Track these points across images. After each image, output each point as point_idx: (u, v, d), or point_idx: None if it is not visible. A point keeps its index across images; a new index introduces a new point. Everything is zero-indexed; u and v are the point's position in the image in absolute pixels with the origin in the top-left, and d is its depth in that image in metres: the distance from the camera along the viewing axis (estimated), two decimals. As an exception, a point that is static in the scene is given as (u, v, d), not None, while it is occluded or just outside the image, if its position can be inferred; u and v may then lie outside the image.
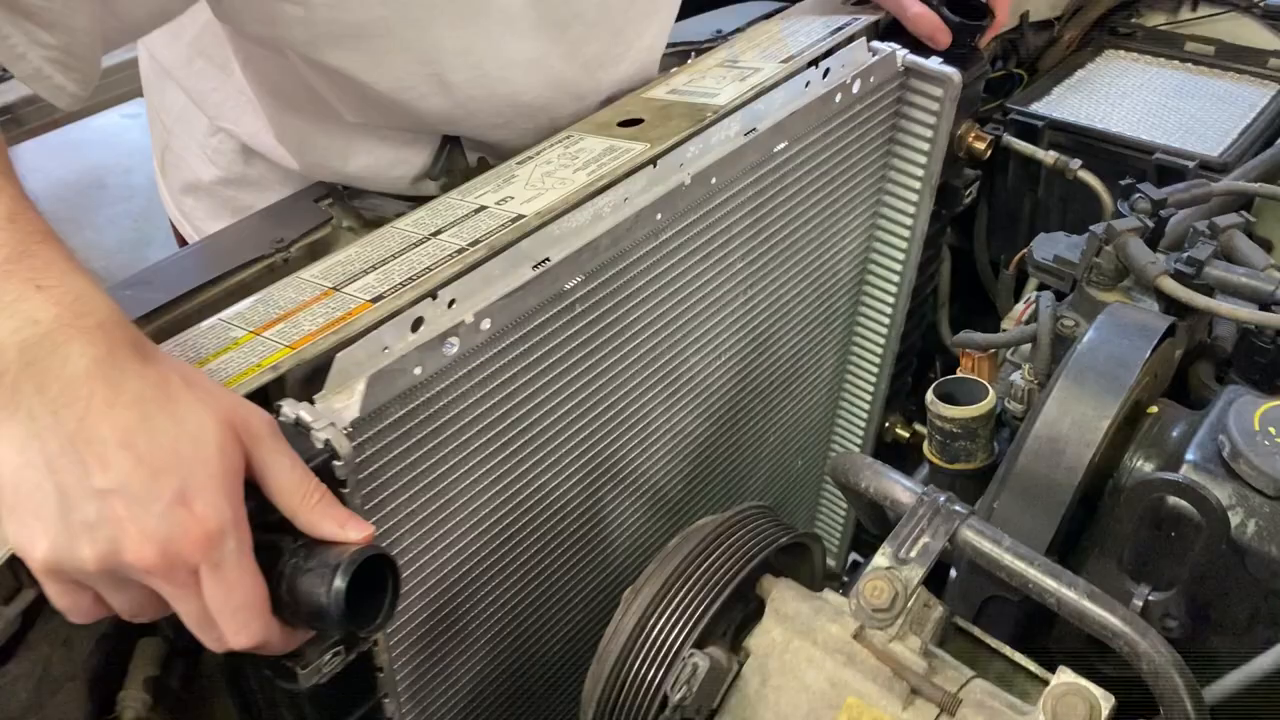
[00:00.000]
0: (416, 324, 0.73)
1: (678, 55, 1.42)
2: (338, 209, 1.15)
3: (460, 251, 0.84)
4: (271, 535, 0.63)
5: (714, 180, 0.91)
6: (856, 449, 1.41)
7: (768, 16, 1.53)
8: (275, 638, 0.62)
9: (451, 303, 0.75)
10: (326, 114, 1.04)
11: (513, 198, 0.92)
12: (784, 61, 1.12)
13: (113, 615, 0.64)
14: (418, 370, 0.73)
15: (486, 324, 0.76)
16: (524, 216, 0.88)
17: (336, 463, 0.67)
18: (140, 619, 0.64)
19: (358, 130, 1.07)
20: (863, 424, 1.38)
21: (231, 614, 0.60)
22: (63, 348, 0.59)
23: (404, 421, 0.76)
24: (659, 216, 0.87)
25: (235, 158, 1.18)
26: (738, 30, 1.50)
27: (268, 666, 0.72)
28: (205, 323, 0.79)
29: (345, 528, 0.63)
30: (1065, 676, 0.62)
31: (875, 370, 1.32)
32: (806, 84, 1.00)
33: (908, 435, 1.38)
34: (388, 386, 0.71)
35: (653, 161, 0.92)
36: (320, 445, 0.66)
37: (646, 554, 1.10)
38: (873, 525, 0.91)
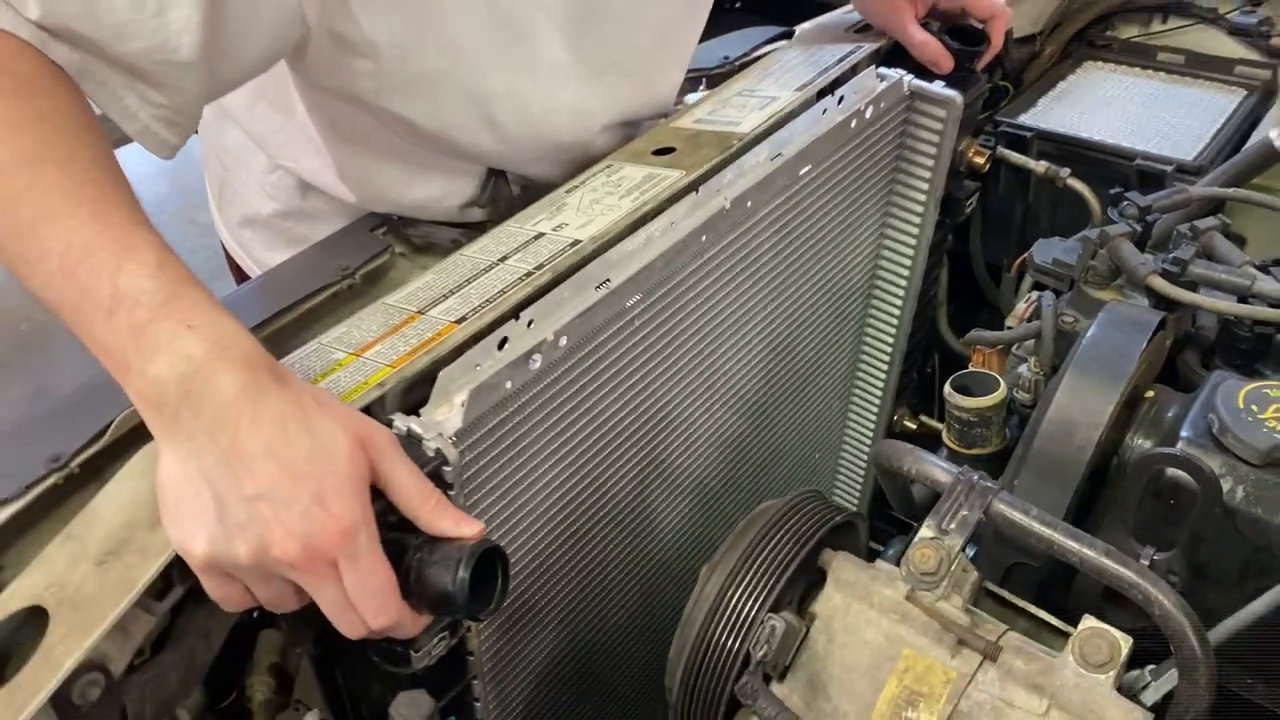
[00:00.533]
0: (502, 343, 0.83)
1: (688, 82, 1.53)
2: (391, 237, 1.24)
3: (529, 275, 0.94)
4: (395, 534, 0.72)
5: (749, 204, 1.01)
6: (869, 441, 1.51)
7: (771, 41, 1.64)
8: (407, 619, 0.71)
9: (530, 323, 0.85)
10: (387, 150, 1.14)
11: (567, 224, 1.02)
12: (798, 89, 1.22)
13: (246, 609, 0.74)
14: (508, 384, 0.82)
15: (564, 340, 0.85)
16: (580, 241, 0.98)
17: (446, 468, 0.77)
18: (281, 609, 0.73)
19: (414, 164, 1.16)
20: (874, 418, 1.48)
21: (370, 598, 0.69)
22: (213, 379, 0.68)
23: (496, 430, 0.85)
24: (704, 238, 0.97)
25: (293, 193, 1.26)
26: (744, 56, 1.61)
27: (382, 654, 0.82)
28: (306, 347, 0.88)
29: (461, 525, 0.72)
30: (1089, 623, 0.72)
31: (885, 368, 1.43)
32: (824, 111, 1.10)
33: (915, 426, 1.49)
34: (484, 399, 0.81)
35: (694, 188, 1.02)
36: (431, 454, 0.76)
37: (690, 539, 1.21)
38: (901, 508, 1.02)
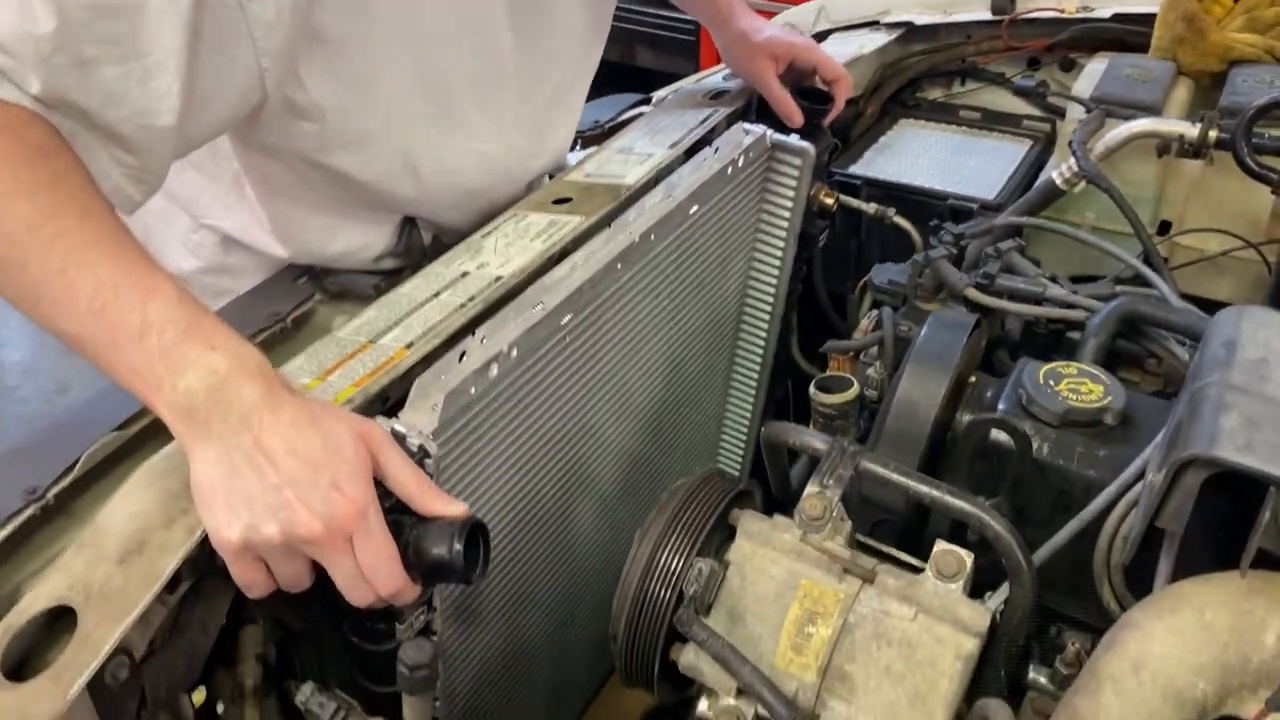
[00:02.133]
0: (461, 356, 0.98)
1: (568, 142, 1.71)
2: (313, 285, 1.37)
3: (462, 306, 1.10)
4: (392, 515, 0.85)
5: (653, 237, 1.19)
6: (740, 453, 1.71)
7: (634, 106, 1.85)
8: (408, 588, 0.85)
9: (483, 339, 1.00)
10: (314, 205, 1.28)
11: (488, 263, 1.19)
12: (671, 147, 1.43)
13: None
14: (472, 389, 0.97)
15: (515, 351, 1.01)
16: (502, 276, 1.15)
17: (427, 460, 0.90)
18: (296, 587, 0.85)
19: (338, 216, 1.30)
20: (745, 432, 1.68)
21: (381, 567, 0.82)
22: (237, 388, 0.81)
23: (459, 432, 0.99)
24: (619, 266, 1.14)
25: (216, 249, 1.38)
26: (612, 120, 1.82)
27: (365, 634, 0.93)
28: (274, 375, 1.01)
29: (451, 505, 0.86)
30: (942, 545, 0.93)
31: (754, 384, 1.62)
32: (704, 160, 1.30)
33: (780, 438, 1.69)
34: (454, 403, 0.95)
35: (597, 229, 1.20)
36: (415, 449, 0.90)
37: (601, 533, 1.36)
38: (779, 489, 1.22)
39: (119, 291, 0.83)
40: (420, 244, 1.39)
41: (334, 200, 1.27)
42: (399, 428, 0.90)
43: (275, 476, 0.80)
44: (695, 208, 1.25)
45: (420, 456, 0.90)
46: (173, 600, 0.90)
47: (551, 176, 1.48)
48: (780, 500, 1.26)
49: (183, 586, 0.90)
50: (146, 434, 1.03)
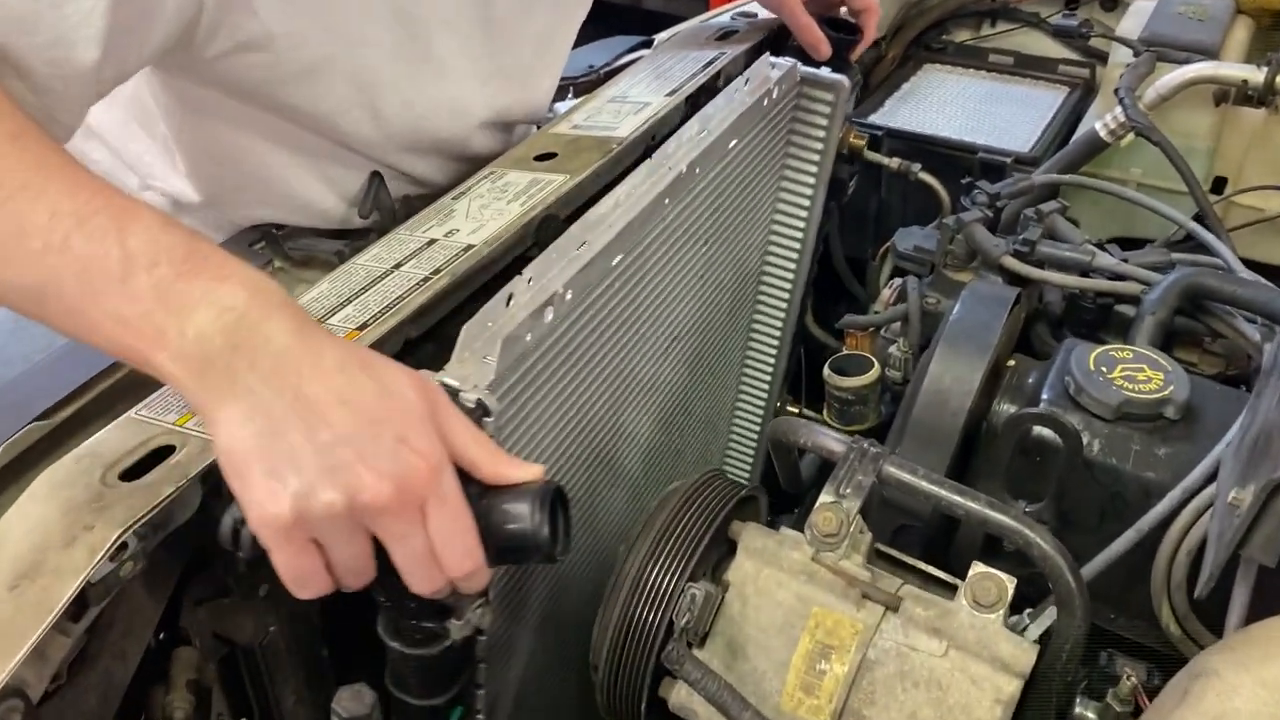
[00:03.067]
0: (509, 299, 0.81)
1: (557, 90, 1.57)
2: (271, 250, 1.24)
3: (425, 280, 0.96)
4: None
5: (698, 170, 1.04)
6: (757, 428, 1.57)
7: (632, 50, 1.70)
8: (483, 569, 0.69)
9: (530, 280, 0.84)
10: (263, 151, 1.13)
11: (458, 229, 1.04)
12: (669, 95, 1.27)
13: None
14: (528, 337, 0.82)
15: (570, 294, 0.86)
16: (474, 245, 1.00)
17: (486, 420, 0.74)
18: (357, 580, 0.68)
19: (295, 155, 1.15)
20: (762, 403, 1.53)
21: (460, 539, 0.66)
22: (262, 327, 0.64)
23: (514, 386, 0.84)
24: (666, 202, 0.99)
25: (168, 212, 1.26)
26: (608, 65, 1.66)
27: (409, 635, 0.77)
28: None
29: (525, 469, 0.70)
30: (978, 568, 0.79)
31: (774, 353, 1.47)
32: (735, 93, 1.14)
33: (797, 412, 1.55)
34: (511, 351, 0.79)
35: (647, 155, 1.05)
36: (472, 405, 0.74)
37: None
38: (790, 485, 1.08)
39: (83, 220, 0.65)
40: (389, 204, 1.25)
41: (291, 148, 1.13)
42: (450, 381, 0.74)
43: (327, 433, 0.63)
44: (734, 142, 1.11)
45: (479, 414, 0.75)
46: (78, 629, 0.78)
47: (538, 129, 1.33)
48: (791, 495, 1.13)
49: (90, 613, 0.78)
50: (72, 426, 0.90)
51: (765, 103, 1.16)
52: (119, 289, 0.64)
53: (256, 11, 0.94)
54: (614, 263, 0.94)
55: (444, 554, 0.66)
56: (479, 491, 0.70)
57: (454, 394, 0.73)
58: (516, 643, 1.05)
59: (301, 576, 0.66)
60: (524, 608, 1.03)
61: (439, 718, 0.85)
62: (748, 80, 1.15)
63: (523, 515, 0.69)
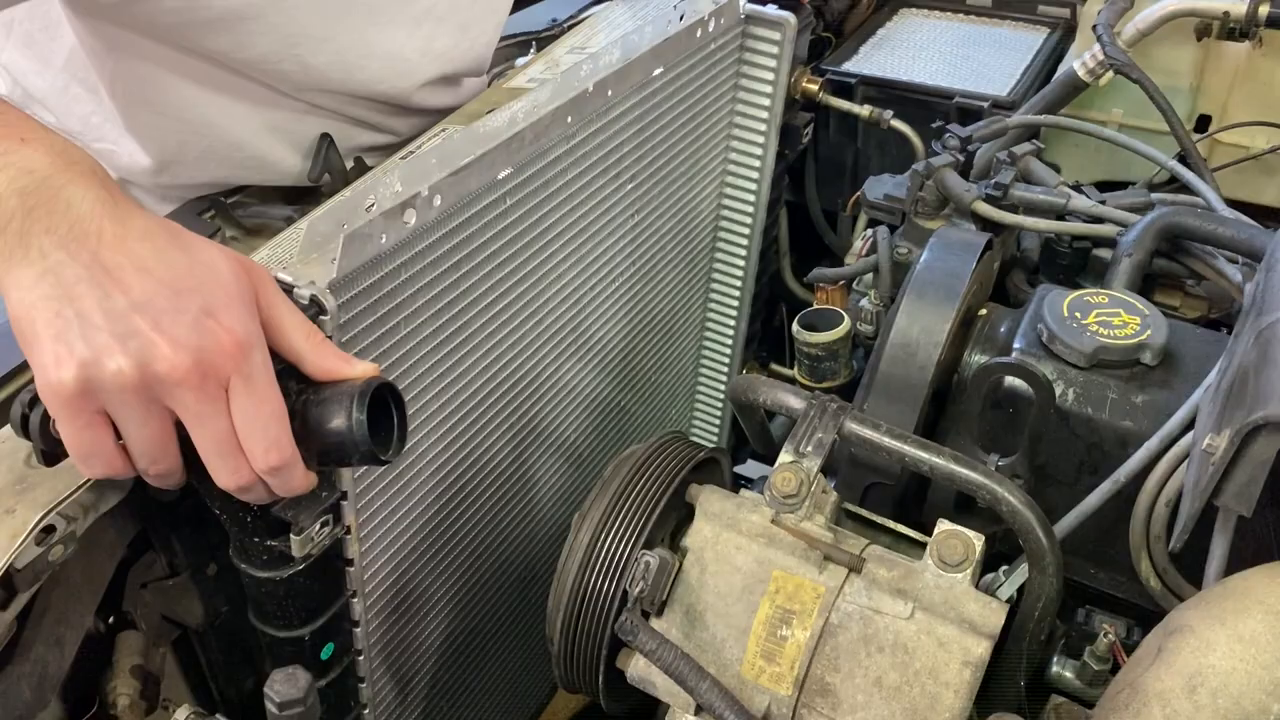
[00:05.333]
0: (370, 207, 0.77)
1: (518, 45, 1.51)
2: (220, 219, 1.20)
3: (370, 243, 0.92)
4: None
5: (610, 92, 0.99)
6: (722, 390, 1.53)
7: (596, 2, 1.64)
8: (295, 464, 0.65)
9: (400, 185, 0.79)
10: (196, 105, 1.08)
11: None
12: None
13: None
14: (383, 238, 0.77)
15: (438, 200, 0.80)
16: (420, 208, 0.96)
17: (323, 318, 0.70)
18: (155, 469, 0.65)
19: (233, 118, 1.10)
20: (725, 365, 1.50)
21: (264, 427, 0.63)
22: (64, 191, 0.61)
23: (371, 292, 0.79)
24: (569, 119, 0.94)
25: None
26: (571, 19, 1.61)
27: (264, 535, 0.73)
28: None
29: (352, 365, 0.67)
30: (945, 525, 0.76)
31: (735, 311, 1.44)
32: (668, 23, 1.10)
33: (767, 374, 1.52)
34: (358, 250, 0.75)
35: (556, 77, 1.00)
36: (306, 302, 0.69)
37: (561, 485, 1.19)
38: (760, 445, 1.04)
39: None
40: (340, 165, 1.21)
41: (231, 95, 1.09)
42: (284, 276, 0.70)
43: (122, 299, 0.60)
44: (659, 70, 1.06)
45: (313, 312, 0.70)
46: (6, 617, 0.75)
47: (491, 83, 1.29)
48: (764, 457, 1.09)
49: (19, 599, 0.75)
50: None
51: (700, 34, 1.11)
52: None
53: None
54: (500, 175, 0.88)
55: (248, 440, 0.63)
56: (301, 387, 0.66)
57: (288, 290, 0.69)
58: (426, 604, 1.01)
59: (88, 452, 0.63)
60: (428, 567, 0.98)
61: (311, 654, 0.81)
62: (679, 10, 1.10)
63: (337, 413, 0.64)
